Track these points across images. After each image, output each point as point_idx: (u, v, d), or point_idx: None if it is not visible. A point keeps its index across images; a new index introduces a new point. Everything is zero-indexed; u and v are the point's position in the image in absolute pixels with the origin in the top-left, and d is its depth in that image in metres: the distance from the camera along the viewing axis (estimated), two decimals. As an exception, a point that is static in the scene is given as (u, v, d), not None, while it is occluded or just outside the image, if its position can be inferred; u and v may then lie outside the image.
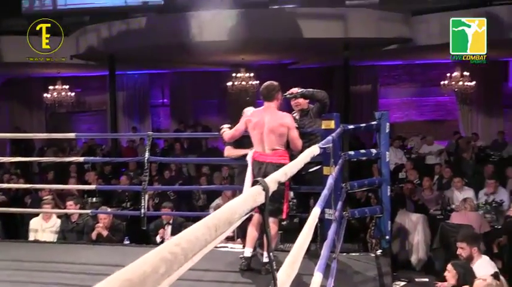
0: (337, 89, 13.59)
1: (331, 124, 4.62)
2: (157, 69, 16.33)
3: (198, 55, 12.04)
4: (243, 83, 14.00)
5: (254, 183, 1.25)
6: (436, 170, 10.09)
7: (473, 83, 13.70)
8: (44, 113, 16.87)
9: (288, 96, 4.85)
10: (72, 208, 6.54)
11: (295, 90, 4.86)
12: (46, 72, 15.09)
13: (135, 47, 11.54)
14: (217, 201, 7.77)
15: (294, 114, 4.95)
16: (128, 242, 6.24)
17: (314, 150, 2.53)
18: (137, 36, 11.21)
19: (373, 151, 5.00)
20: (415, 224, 7.00)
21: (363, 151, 5.17)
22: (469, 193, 8.14)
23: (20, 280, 4.51)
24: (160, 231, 6.30)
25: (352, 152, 4.93)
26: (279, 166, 4.26)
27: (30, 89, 16.29)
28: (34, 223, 6.61)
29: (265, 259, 4.44)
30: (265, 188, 1.24)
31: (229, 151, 5.06)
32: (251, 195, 1.16)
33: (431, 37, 11.00)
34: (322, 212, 4.46)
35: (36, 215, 6.66)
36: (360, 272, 4.55)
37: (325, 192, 2.67)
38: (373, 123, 4.99)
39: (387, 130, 4.96)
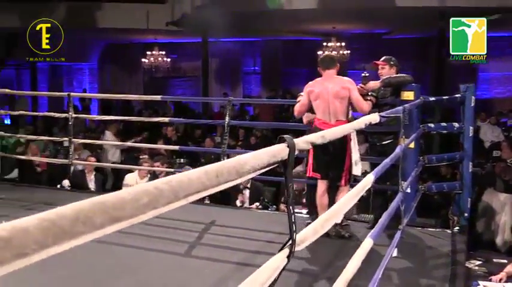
0: (432, 61, 13.01)
1: (411, 95, 4.50)
2: (250, 37, 16.51)
3: (288, 23, 12.02)
4: (334, 52, 13.80)
5: (280, 140, 1.30)
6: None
7: None
8: (141, 77, 17.76)
9: (369, 94, 4.66)
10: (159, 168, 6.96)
11: (376, 84, 4.68)
12: (145, 38, 15.80)
13: (227, 14, 11.73)
14: (298, 168, 7.85)
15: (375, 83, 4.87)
16: (208, 201, 6.52)
17: (372, 118, 2.51)
18: (228, 4, 11.38)
19: (456, 124, 4.80)
20: (502, 204, 6.66)
21: (444, 124, 4.97)
22: None
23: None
24: (240, 195, 6.52)
25: (432, 125, 4.77)
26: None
27: (130, 54, 17.15)
28: (129, 178, 7.09)
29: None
30: (290, 145, 1.29)
31: (307, 117, 5.08)
32: (271, 150, 1.21)
33: (541, 6, 10.16)
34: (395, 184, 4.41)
35: (131, 171, 7.14)
36: (433, 247, 4.46)
37: (386, 161, 2.65)
38: (456, 96, 4.79)
39: (472, 104, 4.75)
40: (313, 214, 4.98)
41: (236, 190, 6.62)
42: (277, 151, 1.23)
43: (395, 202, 3.05)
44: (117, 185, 7.80)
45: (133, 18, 12.71)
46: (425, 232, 4.85)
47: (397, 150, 3.02)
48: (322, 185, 4.43)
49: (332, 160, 4.37)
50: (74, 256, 4.16)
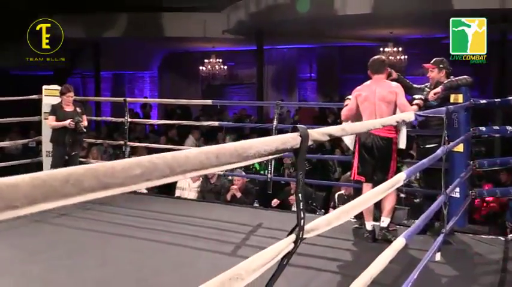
0: (493, 64, 12.56)
1: (459, 98, 4.41)
2: (306, 44, 16.54)
3: (342, 29, 11.96)
4: (391, 57, 13.60)
5: (294, 129, 1.35)
6: None
7: None
8: (200, 85, 18.16)
9: (433, 100, 4.58)
10: (210, 171, 7.11)
11: (437, 91, 4.58)
12: (202, 47, 16.17)
13: (281, 21, 11.82)
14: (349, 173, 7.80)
15: (426, 86, 4.83)
16: (257, 205, 6.60)
17: (406, 116, 2.49)
18: (283, 11, 11.47)
19: (509, 128, 4.65)
20: None
21: (496, 127, 4.83)
22: None
23: (158, 229, 5.08)
24: (291, 198, 6.58)
25: (483, 128, 4.64)
26: (387, 139, 4.26)
27: (188, 62, 17.59)
28: (182, 181, 7.28)
29: (382, 224, 4.47)
30: (303, 135, 1.33)
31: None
32: (281, 137, 1.27)
33: None
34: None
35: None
36: (482, 254, 4.34)
37: (423, 162, 2.63)
38: (509, 98, 4.65)
39: (527, 106, 4.59)
40: (361, 218, 4.95)
41: (287, 193, 6.69)
42: (288, 139, 1.28)
43: (435, 205, 3.00)
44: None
45: (191, 27, 13.08)
46: (477, 238, 4.71)
47: (438, 152, 2.98)
48: (367, 189, 4.41)
49: (377, 163, 4.36)
50: (120, 254, 4.32)
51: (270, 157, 1.23)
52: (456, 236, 4.71)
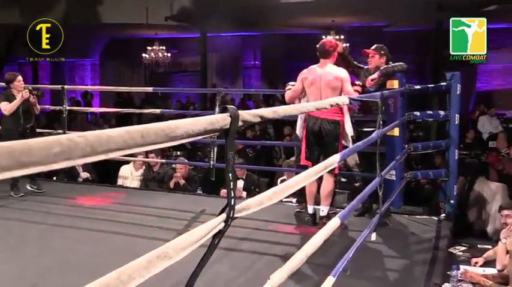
0: (432, 54, 13.03)
1: (395, 84, 4.56)
2: (250, 32, 16.54)
3: (285, 17, 12.04)
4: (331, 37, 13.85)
5: (224, 110, 1.37)
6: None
7: None
8: (143, 73, 17.84)
9: (370, 86, 4.67)
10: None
11: (374, 77, 4.66)
12: (145, 33, 15.86)
13: (225, 7, 11.76)
14: (292, 159, 7.91)
15: (366, 68, 4.94)
16: (200, 192, 6.60)
17: (339, 99, 2.56)
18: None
19: (441, 112, 4.86)
20: (494, 193, 6.69)
21: (429, 111, 5.03)
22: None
23: (100, 218, 5.01)
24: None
25: (417, 113, 4.83)
26: (334, 122, 4.34)
27: (131, 50, 17.22)
28: (124, 170, 7.17)
29: (322, 214, 4.58)
30: (233, 116, 1.35)
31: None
32: (211, 117, 1.28)
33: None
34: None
35: (127, 163, 7.19)
36: (417, 233, 4.54)
37: (358, 144, 2.72)
38: (442, 84, 4.84)
39: (458, 92, 4.80)
40: (302, 202, 5.06)
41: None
42: (217, 119, 1.29)
43: (370, 186, 3.11)
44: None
45: (133, 14, 12.79)
46: (412, 219, 4.93)
47: (373, 135, 3.08)
48: None
49: (324, 147, 4.41)
50: (61, 244, 4.20)
51: (199, 137, 1.25)
52: (393, 217, 4.91)
